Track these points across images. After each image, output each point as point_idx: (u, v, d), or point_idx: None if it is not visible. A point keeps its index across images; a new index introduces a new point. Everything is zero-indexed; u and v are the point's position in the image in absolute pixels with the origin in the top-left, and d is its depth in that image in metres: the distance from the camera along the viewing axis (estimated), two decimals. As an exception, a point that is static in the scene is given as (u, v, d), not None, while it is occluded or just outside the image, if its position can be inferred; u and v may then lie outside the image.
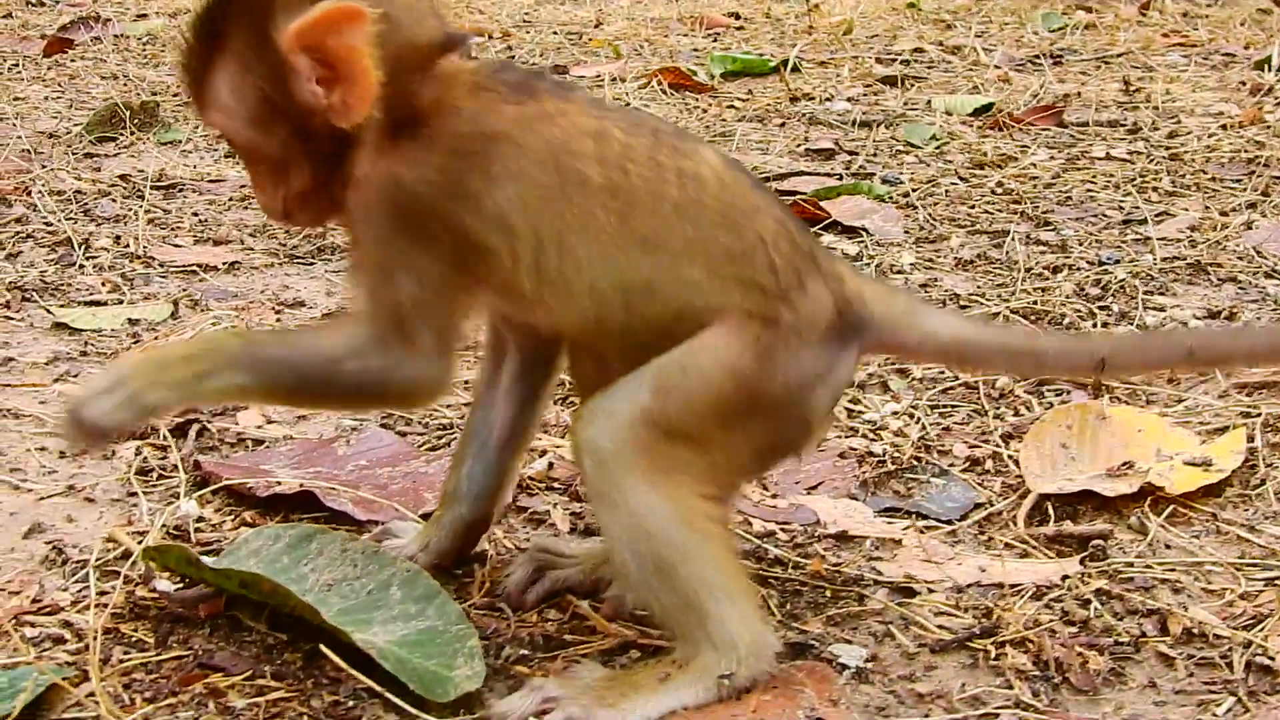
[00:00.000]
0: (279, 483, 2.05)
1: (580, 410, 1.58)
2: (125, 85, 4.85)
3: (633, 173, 1.56)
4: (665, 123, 1.68)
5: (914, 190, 3.57)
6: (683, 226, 1.56)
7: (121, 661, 1.66)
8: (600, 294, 1.55)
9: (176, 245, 3.09)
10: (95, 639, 1.67)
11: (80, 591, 1.82)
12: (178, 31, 5.61)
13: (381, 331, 1.55)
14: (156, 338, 2.58)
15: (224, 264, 2.99)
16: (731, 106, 4.61)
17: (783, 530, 1.99)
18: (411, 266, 1.54)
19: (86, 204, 3.37)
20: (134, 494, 2.07)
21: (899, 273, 3.00)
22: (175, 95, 4.52)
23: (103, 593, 1.81)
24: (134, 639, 1.71)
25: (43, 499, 2.07)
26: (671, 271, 1.55)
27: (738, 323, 1.55)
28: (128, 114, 4.02)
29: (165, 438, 2.20)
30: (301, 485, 2.03)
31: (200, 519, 1.98)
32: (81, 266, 2.96)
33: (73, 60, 5.30)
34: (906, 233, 3.26)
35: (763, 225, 1.58)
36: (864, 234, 3.23)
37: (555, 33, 6.16)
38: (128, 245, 3.08)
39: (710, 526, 1.55)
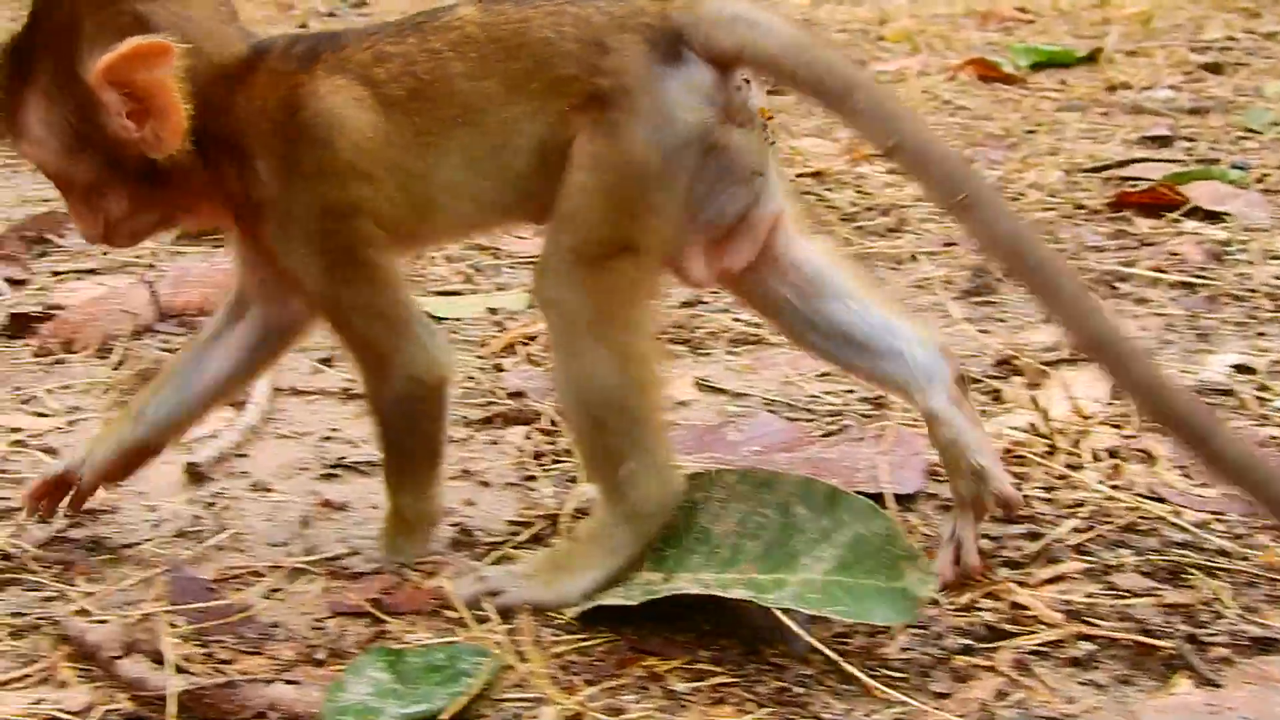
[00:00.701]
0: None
1: (535, 270, 1.63)
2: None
3: (419, 71, 1.61)
4: (423, 13, 1.67)
5: (1266, 175, 3.41)
6: (479, 84, 1.59)
7: (552, 644, 1.61)
8: (461, 187, 1.63)
9: (521, 237, 3.08)
10: (525, 620, 1.63)
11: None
12: None
13: (383, 350, 1.69)
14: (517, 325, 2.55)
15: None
16: (1046, 97, 4.48)
17: (1218, 520, 1.87)
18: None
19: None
20: (530, 477, 2.04)
21: (1275, 258, 2.85)
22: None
23: (517, 575, 1.77)
24: (560, 623, 1.66)
25: (438, 482, 2.04)
26: (497, 127, 1.60)
27: (578, 122, 1.57)
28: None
29: (552, 423, 2.17)
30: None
31: (600, 501, 1.93)
32: (432, 258, 2.96)
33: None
34: (1274, 218, 3.11)
35: (537, 30, 1.59)
36: (1226, 219, 3.09)
37: (842, 31, 6.07)
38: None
39: (646, 374, 1.61)
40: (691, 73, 1.58)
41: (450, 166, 1.63)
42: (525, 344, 2.48)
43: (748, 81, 1.61)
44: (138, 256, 3.00)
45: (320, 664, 1.60)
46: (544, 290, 1.62)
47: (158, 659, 1.61)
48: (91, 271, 2.95)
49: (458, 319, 2.63)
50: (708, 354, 2.47)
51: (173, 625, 1.66)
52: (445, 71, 1.61)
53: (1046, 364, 2.32)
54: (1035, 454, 2.04)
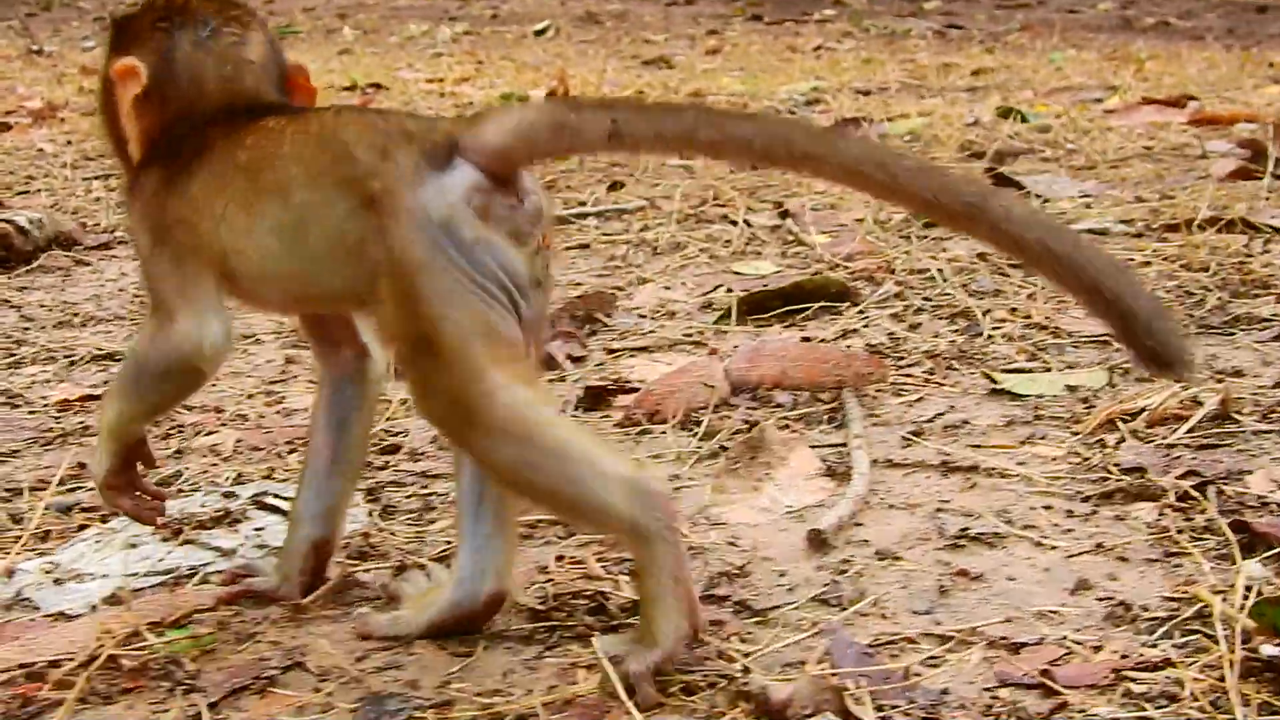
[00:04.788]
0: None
1: None
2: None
3: (265, 147, 1.75)
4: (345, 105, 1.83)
5: None
6: (291, 168, 1.73)
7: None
8: (270, 248, 1.74)
9: (1072, 316, 3.00)
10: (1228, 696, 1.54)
11: (1171, 650, 1.71)
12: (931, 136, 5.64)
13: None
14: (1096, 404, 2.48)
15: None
16: None
17: None
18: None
19: (959, 280, 3.33)
20: (1173, 554, 1.96)
21: None
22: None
23: (1199, 650, 1.69)
24: (1258, 700, 1.57)
25: (1071, 556, 1.98)
26: (298, 206, 1.72)
27: (366, 224, 1.68)
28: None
29: (1178, 498, 2.09)
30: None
31: (1268, 580, 1.84)
32: (990, 336, 2.91)
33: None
34: None
35: (347, 134, 1.72)
36: None
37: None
38: (1028, 316, 3.01)
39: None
40: (453, 176, 1.67)
41: (263, 229, 1.74)
42: (1126, 420, 2.39)
43: (521, 201, 1.69)
44: (690, 335, 3.04)
45: (1012, 734, 1.55)
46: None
47: (845, 719, 1.58)
48: (644, 349, 2.99)
49: (1038, 396, 2.57)
50: None
51: (844, 689, 1.63)
52: (276, 150, 1.76)
53: None
54: None
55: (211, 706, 1.66)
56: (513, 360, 1.69)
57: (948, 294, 3.23)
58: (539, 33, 11.70)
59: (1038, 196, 4.36)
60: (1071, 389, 2.59)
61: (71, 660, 1.74)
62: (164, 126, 1.86)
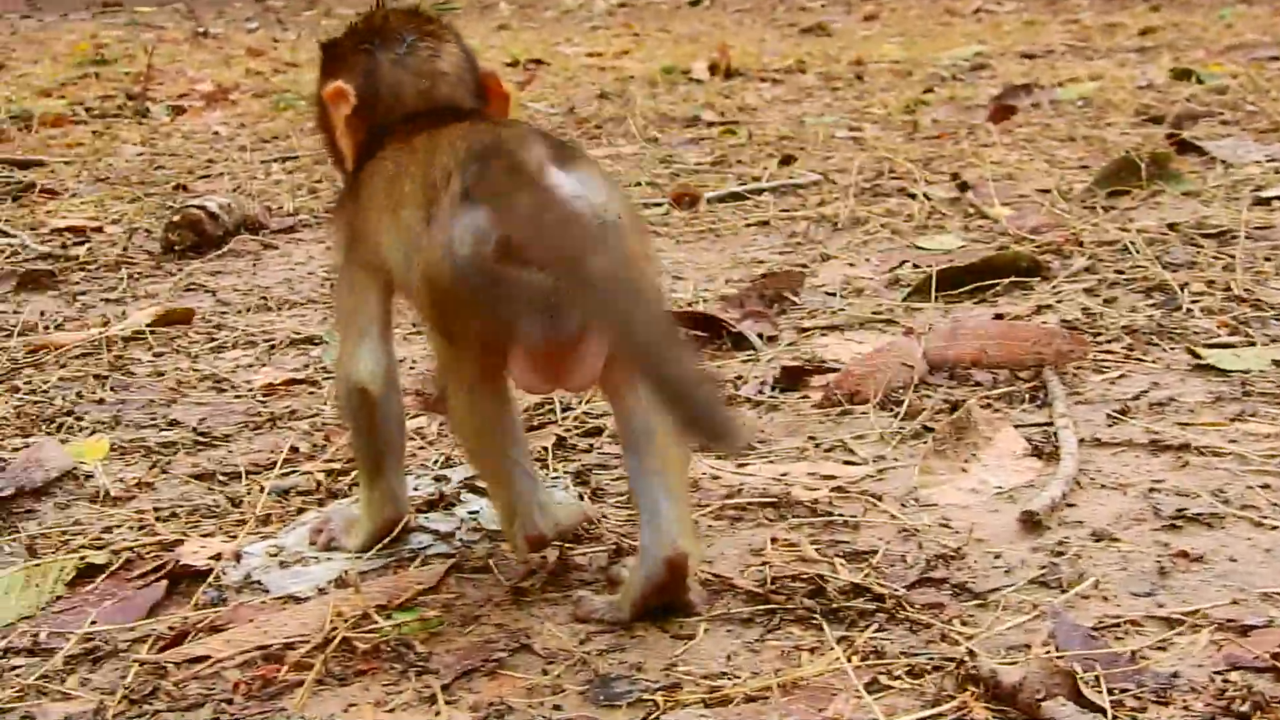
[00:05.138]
0: None
1: None
2: (1090, 145, 4.81)
3: (401, 158, 1.85)
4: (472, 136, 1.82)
5: None
6: (405, 181, 1.82)
7: None
8: (398, 261, 1.83)
9: (1272, 287, 2.95)
10: None
11: None
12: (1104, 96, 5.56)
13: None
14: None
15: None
16: None
17: None
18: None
19: (1151, 252, 3.29)
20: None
21: None
22: (1150, 153, 4.42)
23: None
24: None
25: (1294, 535, 1.96)
26: (390, 227, 1.83)
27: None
28: (1142, 166, 3.94)
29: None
30: None
31: None
32: (1189, 310, 2.87)
33: (1020, 126, 5.32)
34: None
35: (437, 151, 1.80)
36: None
37: None
38: (1227, 288, 2.97)
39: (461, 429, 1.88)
40: (474, 216, 1.70)
41: (392, 240, 1.83)
42: (1340, 396, 2.35)
43: None
44: (879, 313, 3.03)
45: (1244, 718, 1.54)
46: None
47: (1079, 702, 1.58)
48: (835, 328, 2.99)
49: (1245, 371, 2.53)
50: None
51: (1071, 672, 1.62)
52: (398, 167, 1.85)
53: None
54: None
55: (444, 688, 1.69)
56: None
57: (1141, 266, 3.19)
58: (694, 3, 11.70)
59: (1222, 162, 4.28)
60: (1277, 363, 2.55)
61: (306, 642, 1.79)
62: (369, 142, 1.96)
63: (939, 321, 2.82)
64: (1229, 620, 1.75)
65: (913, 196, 4.14)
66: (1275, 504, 2.05)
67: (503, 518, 1.92)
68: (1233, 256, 3.20)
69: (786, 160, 4.91)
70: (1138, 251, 3.28)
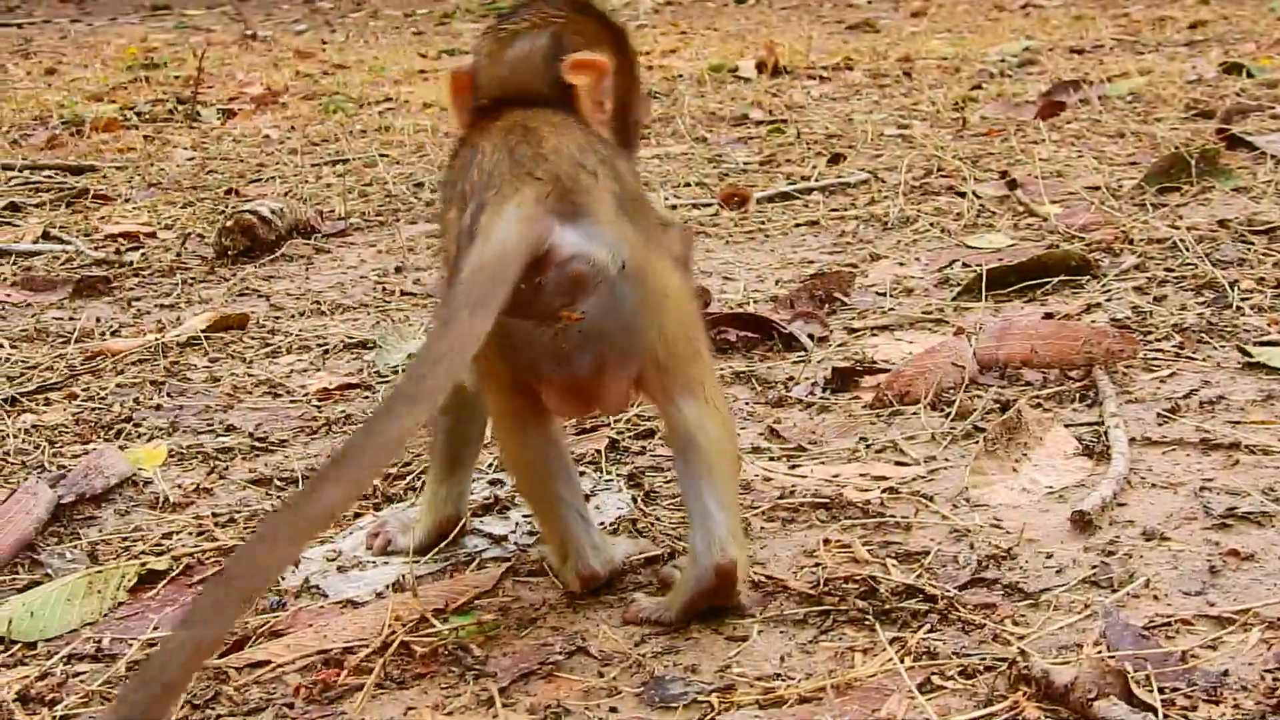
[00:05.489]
0: None
1: None
2: (1139, 141, 4.80)
3: (462, 165, 1.84)
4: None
5: None
6: (453, 182, 1.84)
7: None
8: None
9: (1316, 285, 2.96)
10: None
11: None
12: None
13: None
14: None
15: None
16: None
17: None
18: None
19: (1200, 250, 3.29)
20: None
21: None
22: (1200, 148, 4.41)
23: None
24: None
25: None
26: (448, 225, 1.83)
27: None
28: (1192, 162, 3.93)
29: None
30: None
31: None
32: (1239, 308, 2.87)
33: (1068, 123, 5.31)
34: None
35: (484, 150, 1.79)
36: None
37: None
38: (1277, 285, 2.97)
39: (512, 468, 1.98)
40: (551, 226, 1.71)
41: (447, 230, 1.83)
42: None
43: (539, 283, 1.69)
44: (930, 313, 3.04)
45: (1293, 715, 1.55)
46: None
47: (1131, 702, 1.59)
48: (885, 328, 3.00)
49: (1290, 369, 2.54)
50: None
51: (1123, 671, 1.64)
52: (461, 161, 1.85)
53: None
54: None
55: (502, 691, 1.72)
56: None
57: (1191, 264, 3.19)
58: (740, 0, 11.69)
59: (1273, 158, 4.27)
60: (1325, 362, 2.55)
61: (365, 646, 1.82)
62: (470, 125, 1.94)
63: (989, 321, 2.83)
64: (1277, 619, 1.75)
65: (962, 195, 4.14)
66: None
67: (555, 555, 1.95)
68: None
69: (835, 159, 4.92)
70: (1187, 249, 3.28)
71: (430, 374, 1.57)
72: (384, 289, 3.61)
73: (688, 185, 4.61)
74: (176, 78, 8.08)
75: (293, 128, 6.44)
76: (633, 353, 1.79)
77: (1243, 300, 2.91)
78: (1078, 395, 2.52)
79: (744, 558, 1.86)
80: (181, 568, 2.07)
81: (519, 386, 1.83)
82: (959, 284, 3.21)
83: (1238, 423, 2.35)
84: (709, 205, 4.29)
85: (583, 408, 1.86)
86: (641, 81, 2.05)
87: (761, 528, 2.11)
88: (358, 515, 2.23)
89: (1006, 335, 2.64)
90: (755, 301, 3.24)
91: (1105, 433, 2.31)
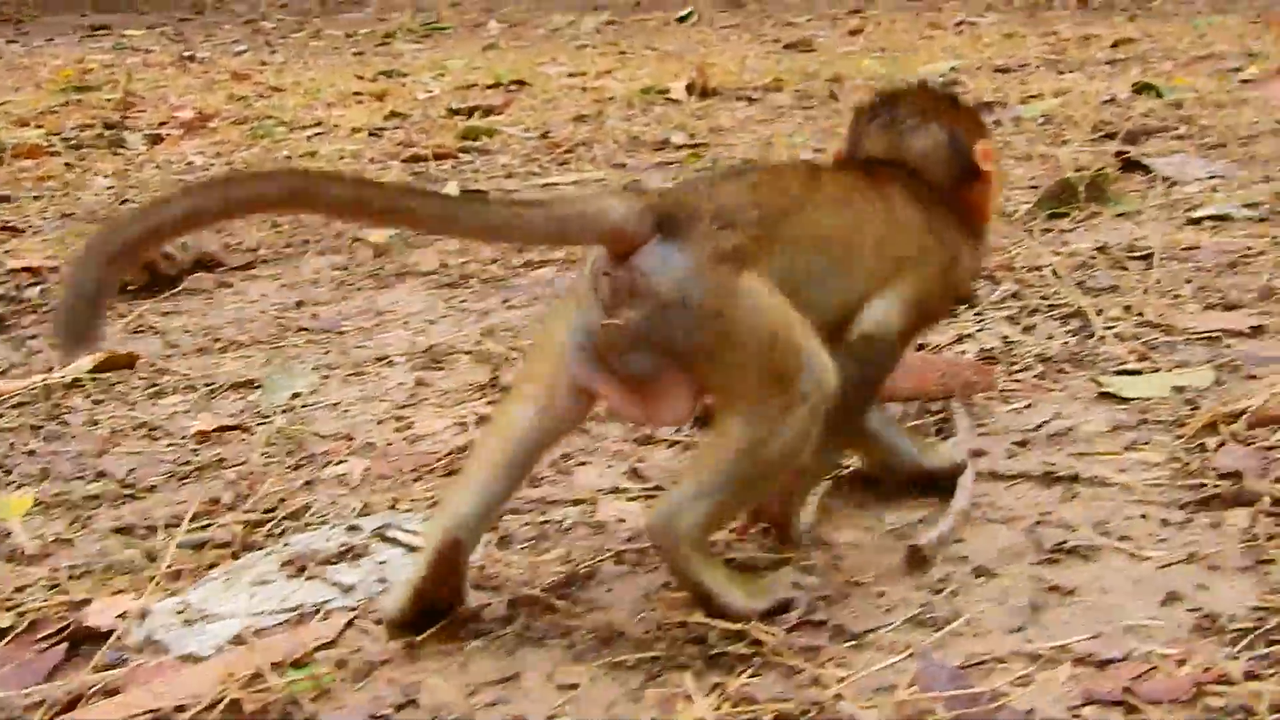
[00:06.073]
0: None
1: None
2: (1043, 163, 4.86)
3: None
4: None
5: None
6: None
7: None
8: None
9: (1187, 312, 3.00)
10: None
11: (1253, 662, 1.74)
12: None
13: None
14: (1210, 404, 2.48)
15: (1247, 329, 2.87)
16: None
17: None
18: None
19: (1076, 277, 3.34)
20: (1265, 561, 1.98)
21: None
22: (1099, 171, 4.47)
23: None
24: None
25: (1164, 566, 2.01)
26: None
27: None
28: (1080, 188, 3.99)
29: (1275, 503, 2.11)
30: None
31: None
32: (1101, 337, 2.92)
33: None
34: None
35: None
36: None
37: None
38: (1140, 314, 3.02)
39: None
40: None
41: None
42: (1228, 423, 2.40)
43: (606, 274, 1.88)
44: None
45: (1092, 754, 1.59)
46: None
47: (930, 746, 1.63)
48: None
49: (1145, 398, 2.58)
50: None
51: (930, 713, 1.68)
52: None
53: None
54: None
55: (327, 746, 1.75)
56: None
57: (1064, 292, 3.24)
58: (682, 19, 11.74)
59: (1165, 180, 4.33)
60: (1179, 390, 2.60)
61: (197, 704, 1.85)
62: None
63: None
64: (1090, 654, 1.80)
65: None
66: (1151, 534, 2.10)
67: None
68: (1154, 279, 3.24)
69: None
70: (1060, 276, 3.33)
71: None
72: (281, 325, 3.63)
73: (595, 213, 4.64)
74: (109, 101, 8.07)
75: (219, 154, 6.45)
76: (674, 373, 1.92)
77: (1107, 328, 2.95)
78: (935, 429, 2.56)
79: (682, 525, 1.93)
80: (26, 624, 2.10)
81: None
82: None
83: (1082, 454, 2.39)
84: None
85: (632, 410, 1.97)
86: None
87: (609, 572, 2.14)
88: (212, 565, 2.26)
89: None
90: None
91: (954, 467, 2.35)
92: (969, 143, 2.22)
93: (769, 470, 1.94)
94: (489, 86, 8.16)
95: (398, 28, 12.25)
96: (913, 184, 2.17)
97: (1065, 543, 2.10)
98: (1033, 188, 4.44)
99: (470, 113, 7.17)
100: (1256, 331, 2.87)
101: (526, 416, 1.98)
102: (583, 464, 2.54)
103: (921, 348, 2.95)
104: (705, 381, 1.93)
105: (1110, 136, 5.20)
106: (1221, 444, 2.35)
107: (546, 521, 2.34)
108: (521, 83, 8.25)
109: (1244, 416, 2.40)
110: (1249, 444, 2.34)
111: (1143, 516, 2.16)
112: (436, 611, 1.98)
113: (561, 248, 1.92)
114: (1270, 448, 2.33)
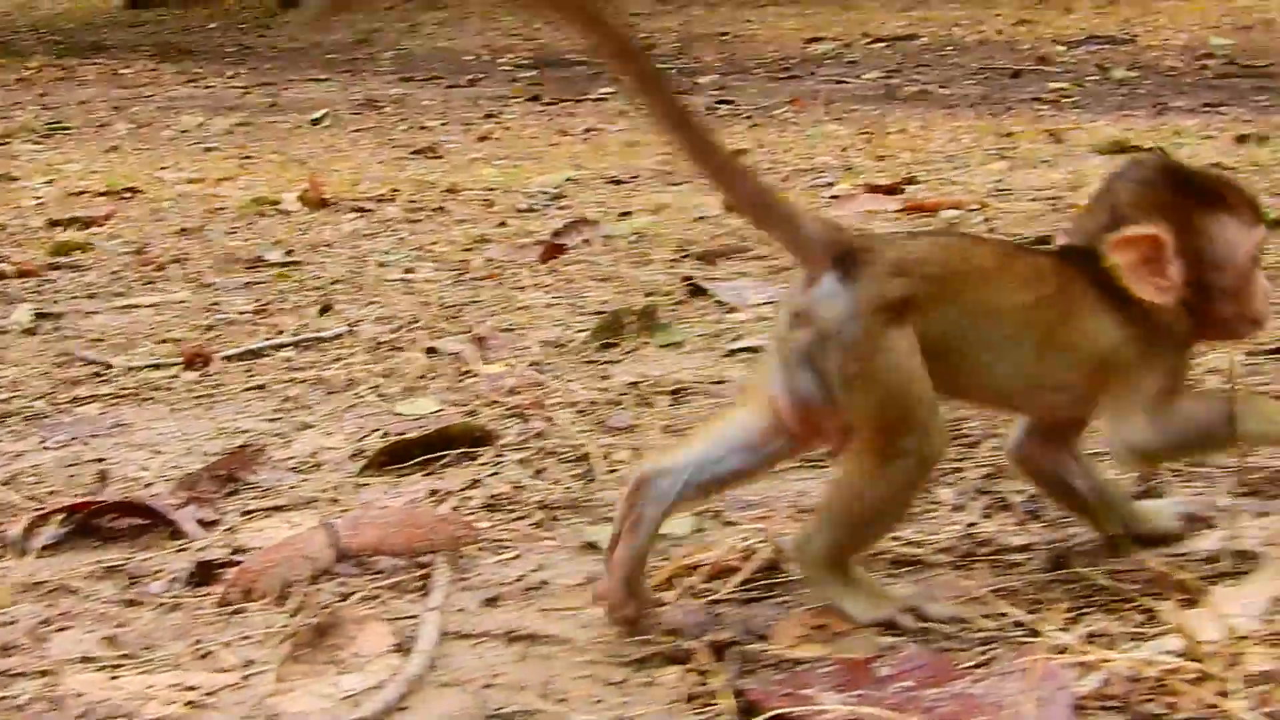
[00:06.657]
0: (824, 709, 1.99)
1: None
2: (620, 285, 4.99)
3: None
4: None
5: None
6: None
7: None
8: None
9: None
10: None
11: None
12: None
13: None
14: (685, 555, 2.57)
15: (745, 473, 2.99)
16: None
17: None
18: None
19: (600, 415, 3.43)
20: (685, 723, 2.06)
21: None
22: (667, 295, 4.61)
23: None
24: None
25: (593, 731, 2.07)
26: None
27: None
28: (631, 319, 4.10)
29: (707, 662, 2.19)
30: (851, 712, 1.97)
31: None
32: (603, 482, 3.00)
33: (566, 265, 5.48)
34: None
35: None
36: None
37: (1034, 200, 6.09)
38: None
39: None
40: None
41: None
42: (689, 574, 2.49)
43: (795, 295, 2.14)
44: (327, 491, 3.10)
45: None
46: None
47: None
48: (280, 509, 3.05)
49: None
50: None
51: None
52: None
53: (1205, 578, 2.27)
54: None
55: None
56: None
57: (586, 432, 3.32)
58: (315, 121, 11.71)
59: (719, 304, 4.48)
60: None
61: None
62: None
63: (356, 508, 2.90)
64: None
65: (432, 351, 4.23)
66: (590, 694, 2.14)
67: None
68: (671, 420, 3.35)
69: (326, 309, 4.97)
70: (584, 415, 3.42)
71: None
72: None
73: (162, 342, 4.60)
74: None
75: None
76: (826, 402, 2.13)
77: (610, 472, 3.04)
78: (418, 585, 2.60)
79: (809, 550, 2.23)
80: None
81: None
82: (368, 458, 3.27)
83: (549, 610, 2.45)
84: (173, 365, 4.27)
85: (805, 430, 2.20)
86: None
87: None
88: None
89: (362, 523, 2.71)
90: (167, 479, 3.25)
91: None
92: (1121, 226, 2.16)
93: (872, 513, 2.16)
94: (100, 194, 8.01)
95: (19, 126, 11.92)
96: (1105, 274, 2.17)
97: (505, 708, 2.14)
98: (601, 312, 4.54)
99: (69, 224, 7.02)
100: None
101: (744, 413, 2.23)
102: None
103: (435, 493, 3.00)
104: (844, 416, 2.12)
105: (691, 256, 5.36)
106: (679, 597, 2.43)
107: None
108: (135, 190, 8.12)
109: (703, 568, 2.49)
110: (701, 596, 2.43)
111: (587, 676, 2.21)
112: None
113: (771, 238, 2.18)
114: (718, 600, 2.41)
